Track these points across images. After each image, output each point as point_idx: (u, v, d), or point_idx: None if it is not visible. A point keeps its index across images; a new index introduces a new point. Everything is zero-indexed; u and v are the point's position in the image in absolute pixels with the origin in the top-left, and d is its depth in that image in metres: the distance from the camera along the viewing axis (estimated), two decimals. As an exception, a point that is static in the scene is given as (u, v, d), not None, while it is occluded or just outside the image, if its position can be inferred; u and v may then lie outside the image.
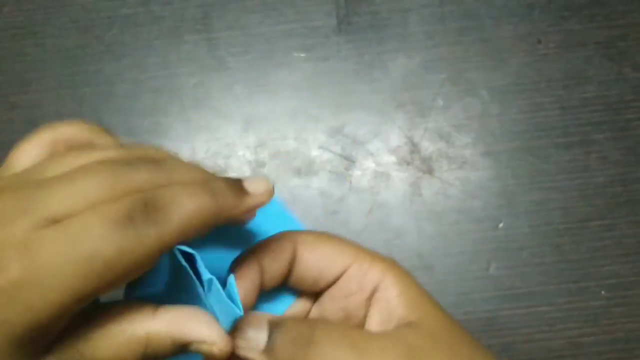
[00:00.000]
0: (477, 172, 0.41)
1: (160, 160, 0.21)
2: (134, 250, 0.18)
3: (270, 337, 0.23)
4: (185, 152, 0.42)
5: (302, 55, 0.43)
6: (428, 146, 0.41)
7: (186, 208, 0.20)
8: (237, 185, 0.22)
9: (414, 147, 0.41)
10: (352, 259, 0.26)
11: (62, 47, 0.44)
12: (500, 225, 0.40)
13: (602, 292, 0.39)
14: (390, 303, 0.25)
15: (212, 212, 0.20)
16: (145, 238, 0.19)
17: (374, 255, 0.26)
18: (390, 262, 0.26)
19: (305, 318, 0.26)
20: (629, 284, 0.39)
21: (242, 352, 0.23)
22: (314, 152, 0.42)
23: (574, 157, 0.41)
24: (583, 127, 0.41)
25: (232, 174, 0.41)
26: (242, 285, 0.23)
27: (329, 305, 0.26)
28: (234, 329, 0.23)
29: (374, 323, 0.26)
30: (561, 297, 0.39)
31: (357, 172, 0.41)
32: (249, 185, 0.23)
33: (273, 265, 0.25)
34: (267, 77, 0.43)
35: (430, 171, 0.41)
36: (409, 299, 0.25)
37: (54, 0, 0.44)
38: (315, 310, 0.27)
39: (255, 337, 0.23)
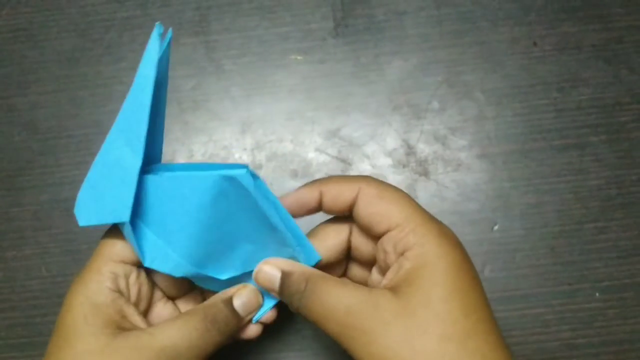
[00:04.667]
0: (472, 174, 0.41)
1: None
2: None
3: (281, 281, 0.29)
4: (182, 154, 0.42)
5: (298, 57, 0.43)
6: (424, 148, 0.42)
7: None
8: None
9: (410, 150, 0.42)
10: (400, 221, 0.28)
11: (61, 50, 0.44)
12: (496, 227, 0.40)
13: (597, 294, 0.39)
14: (401, 269, 0.27)
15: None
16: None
17: (422, 221, 0.28)
18: (429, 232, 0.27)
19: (312, 271, 0.29)
20: (623, 286, 0.39)
21: (262, 281, 0.30)
22: (311, 155, 0.42)
23: (569, 160, 0.41)
24: (578, 130, 0.42)
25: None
26: (298, 198, 0.30)
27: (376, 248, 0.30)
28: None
29: (385, 279, 0.28)
30: (555, 299, 0.39)
31: (353, 175, 0.41)
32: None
33: (333, 203, 0.30)
34: (264, 79, 0.43)
35: (426, 173, 0.41)
36: (415, 271, 0.27)
37: (52, 3, 0.45)
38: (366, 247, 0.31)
39: (273, 278, 0.30)
